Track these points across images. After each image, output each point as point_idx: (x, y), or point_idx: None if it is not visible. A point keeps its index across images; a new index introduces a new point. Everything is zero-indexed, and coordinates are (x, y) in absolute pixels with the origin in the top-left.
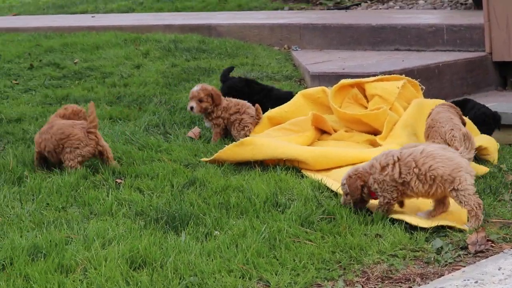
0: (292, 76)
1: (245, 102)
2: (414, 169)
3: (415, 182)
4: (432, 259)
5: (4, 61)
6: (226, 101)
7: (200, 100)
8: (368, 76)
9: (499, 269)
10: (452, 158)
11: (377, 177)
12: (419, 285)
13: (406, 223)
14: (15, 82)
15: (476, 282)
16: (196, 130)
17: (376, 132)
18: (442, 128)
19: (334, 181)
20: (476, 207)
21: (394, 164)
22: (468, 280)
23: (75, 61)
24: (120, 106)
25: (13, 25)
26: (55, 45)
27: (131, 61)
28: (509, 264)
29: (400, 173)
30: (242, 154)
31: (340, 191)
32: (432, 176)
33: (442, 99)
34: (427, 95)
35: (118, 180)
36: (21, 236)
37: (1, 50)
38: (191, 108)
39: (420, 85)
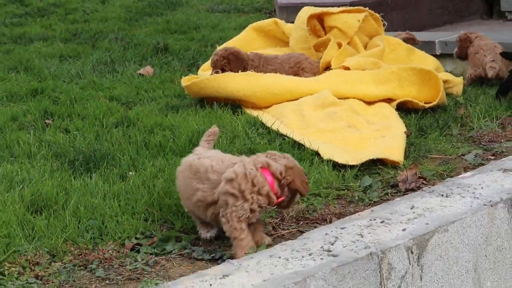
0: (263, 8)
1: None
2: None
3: None
4: (357, 198)
5: None
6: None
7: None
8: (334, 5)
9: (411, 208)
10: None
11: None
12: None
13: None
14: None
15: (382, 221)
16: (148, 68)
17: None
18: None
19: (272, 117)
20: None
21: None
22: (374, 219)
23: None
24: (74, 43)
25: None
26: None
27: None
28: (423, 203)
29: None
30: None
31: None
32: None
33: (420, 29)
34: (403, 25)
35: (47, 121)
36: None
37: None
38: None
39: (382, 20)
